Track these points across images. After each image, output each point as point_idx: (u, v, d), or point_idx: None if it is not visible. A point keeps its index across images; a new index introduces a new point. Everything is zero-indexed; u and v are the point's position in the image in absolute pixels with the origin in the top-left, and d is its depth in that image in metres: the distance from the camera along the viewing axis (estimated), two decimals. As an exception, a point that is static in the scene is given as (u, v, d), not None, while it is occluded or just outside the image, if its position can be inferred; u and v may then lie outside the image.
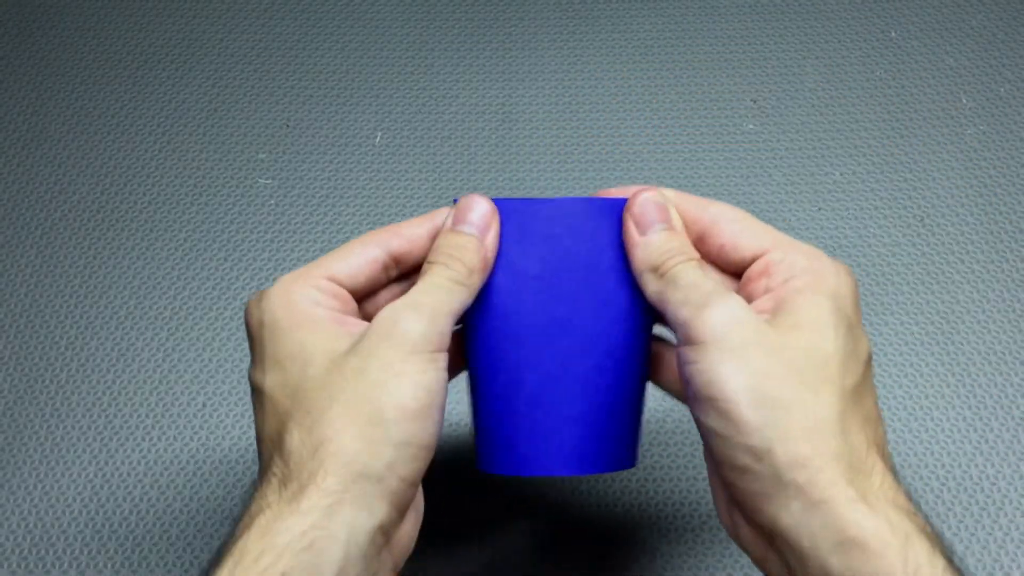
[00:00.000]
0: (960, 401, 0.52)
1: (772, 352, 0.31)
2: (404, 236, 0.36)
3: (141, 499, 0.50)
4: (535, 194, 0.60)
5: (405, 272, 0.37)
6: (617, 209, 0.36)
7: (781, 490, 0.29)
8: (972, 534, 0.48)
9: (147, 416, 0.52)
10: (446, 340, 0.33)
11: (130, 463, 0.51)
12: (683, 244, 0.34)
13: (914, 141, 0.62)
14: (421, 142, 0.62)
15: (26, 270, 0.57)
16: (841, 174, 0.61)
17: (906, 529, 0.29)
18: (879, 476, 0.30)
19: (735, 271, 0.35)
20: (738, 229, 0.35)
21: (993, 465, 0.50)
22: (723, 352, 0.31)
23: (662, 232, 0.34)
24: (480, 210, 0.35)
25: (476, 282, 0.34)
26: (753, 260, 0.34)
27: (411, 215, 0.59)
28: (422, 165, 0.61)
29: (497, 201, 0.35)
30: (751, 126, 0.63)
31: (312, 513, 0.30)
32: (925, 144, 0.62)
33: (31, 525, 0.49)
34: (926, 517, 0.31)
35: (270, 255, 0.58)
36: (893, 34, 0.67)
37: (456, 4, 0.69)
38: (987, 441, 0.51)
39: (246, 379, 0.53)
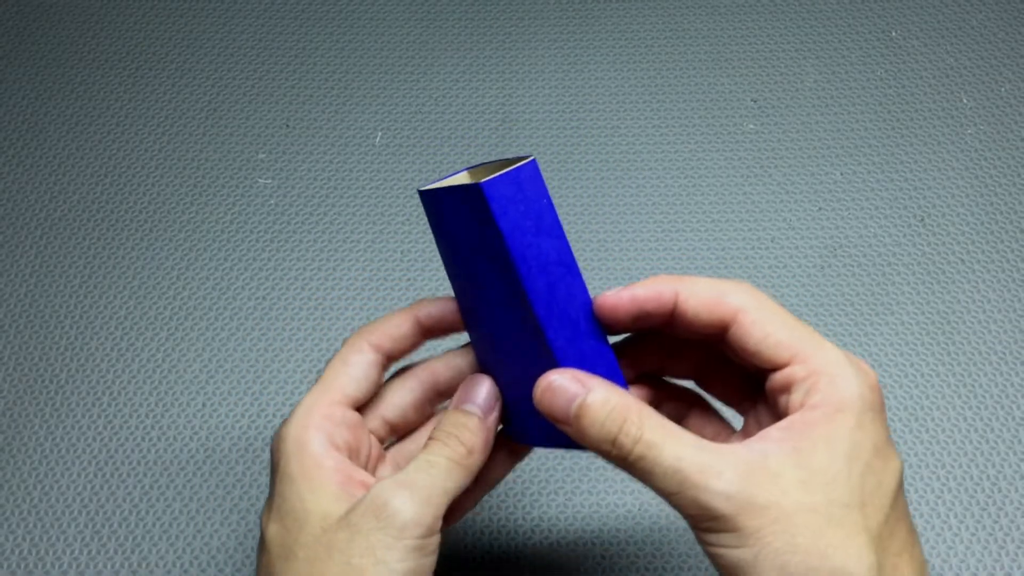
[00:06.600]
0: (960, 401, 0.52)
1: (787, 524, 0.29)
2: (393, 337, 0.37)
3: (141, 499, 0.50)
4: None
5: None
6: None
7: None
8: (972, 534, 0.48)
9: (147, 416, 0.52)
10: (439, 522, 0.33)
11: (130, 463, 0.51)
12: (611, 414, 0.31)
13: (914, 141, 0.62)
14: (421, 142, 0.62)
15: (26, 270, 0.57)
16: (841, 174, 0.60)
17: None
18: None
19: (751, 367, 0.34)
20: (760, 336, 0.32)
21: (993, 465, 0.50)
22: (738, 537, 0.29)
23: (579, 414, 0.31)
24: (485, 390, 0.35)
25: (476, 463, 0.34)
26: (773, 367, 0.32)
27: (411, 215, 0.59)
28: (422, 165, 0.61)
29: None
30: (751, 126, 0.63)
31: None
32: (925, 144, 0.62)
33: (31, 525, 0.49)
34: None
35: (270, 255, 0.58)
36: (894, 34, 0.67)
37: (456, 4, 0.69)
38: (987, 441, 0.51)
39: (246, 379, 0.53)
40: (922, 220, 0.59)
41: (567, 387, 0.31)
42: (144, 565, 0.48)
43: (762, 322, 0.32)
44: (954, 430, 0.51)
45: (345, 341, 0.37)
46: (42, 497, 0.50)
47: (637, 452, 0.30)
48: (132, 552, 0.49)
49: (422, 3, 0.69)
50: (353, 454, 0.35)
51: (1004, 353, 0.54)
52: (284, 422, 0.35)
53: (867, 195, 0.60)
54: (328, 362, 0.37)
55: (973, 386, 0.53)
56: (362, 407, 0.37)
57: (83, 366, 0.54)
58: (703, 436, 0.34)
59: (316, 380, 0.37)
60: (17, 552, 0.49)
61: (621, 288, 0.33)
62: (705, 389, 0.37)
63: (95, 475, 0.51)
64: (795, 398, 0.31)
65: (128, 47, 0.67)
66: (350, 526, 0.32)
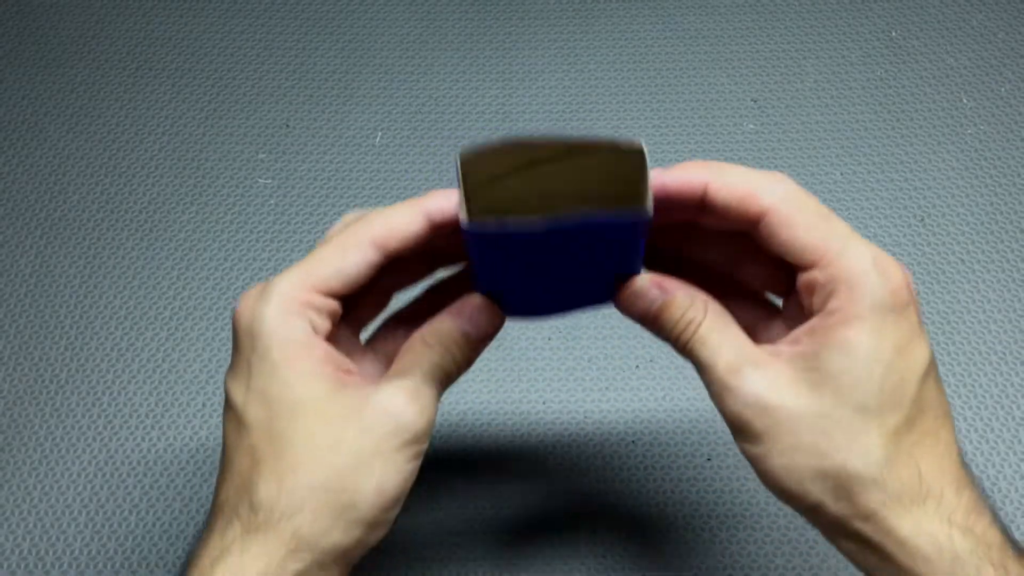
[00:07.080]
0: (960, 401, 0.52)
1: (795, 425, 0.31)
2: (401, 237, 0.33)
3: (141, 499, 0.50)
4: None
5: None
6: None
7: (841, 533, 0.32)
8: (972, 534, 0.48)
9: (147, 416, 0.52)
10: (433, 426, 0.34)
11: (130, 463, 0.51)
12: (685, 314, 0.33)
13: (914, 141, 0.62)
14: (421, 142, 0.62)
15: (26, 270, 0.57)
16: (841, 174, 0.60)
17: (954, 548, 0.30)
18: (934, 501, 0.31)
19: (784, 262, 0.34)
20: (787, 236, 0.32)
21: (993, 465, 0.50)
22: (752, 435, 0.32)
23: (658, 313, 0.34)
24: (487, 319, 0.35)
25: (455, 380, 0.36)
26: (799, 267, 0.32)
27: (411, 215, 0.59)
28: (422, 165, 0.61)
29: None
30: (751, 126, 0.63)
31: None
32: (925, 144, 0.62)
33: (31, 525, 0.49)
34: (993, 524, 0.32)
35: (270, 255, 0.58)
36: (894, 34, 0.67)
37: (456, 4, 0.69)
38: (987, 441, 0.51)
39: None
40: (922, 220, 0.59)
41: (649, 290, 0.34)
42: (144, 565, 0.48)
43: (790, 221, 0.32)
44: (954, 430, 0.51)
45: (344, 225, 0.34)
46: (42, 497, 0.50)
47: (689, 345, 0.33)
48: (132, 552, 0.49)
49: (422, 3, 0.69)
50: (331, 340, 0.34)
51: (1004, 353, 0.54)
52: (259, 296, 0.33)
53: (867, 195, 0.60)
54: (321, 241, 0.34)
55: (973, 386, 0.53)
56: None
57: (83, 366, 0.54)
58: (744, 321, 0.35)
59: (304, 258, 0.34)
60: (17, 552, 0.49)
61: (652, 173, 0.33)
62: (739, 276, 0.37)
63: (95, 475, 0.51)
64: (816, 301, 0.32)
65: (128, 47, 0.67)
66: (362, 423, 0.32)
